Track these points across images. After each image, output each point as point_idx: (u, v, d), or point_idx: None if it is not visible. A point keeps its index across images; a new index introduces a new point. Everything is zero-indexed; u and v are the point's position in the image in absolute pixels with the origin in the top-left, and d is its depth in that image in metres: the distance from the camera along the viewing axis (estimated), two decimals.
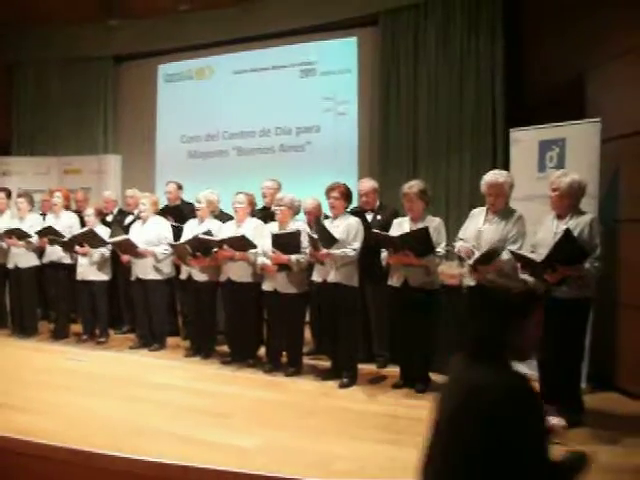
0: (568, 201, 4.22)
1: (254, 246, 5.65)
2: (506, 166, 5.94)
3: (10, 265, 7.18)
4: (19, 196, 7.36)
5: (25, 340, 7.02)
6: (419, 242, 4.86)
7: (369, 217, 5.82)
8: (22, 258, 7.09)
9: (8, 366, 5.78)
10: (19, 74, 10.76)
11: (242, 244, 5.67)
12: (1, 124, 10.56)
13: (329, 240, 5.12)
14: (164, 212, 7.02)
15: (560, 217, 4.27)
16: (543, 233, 4.32)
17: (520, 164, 5.65)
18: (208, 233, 5.89)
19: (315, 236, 5.16)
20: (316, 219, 5.46)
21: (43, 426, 4.06)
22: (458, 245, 4.81)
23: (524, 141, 5.67)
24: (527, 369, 5.06)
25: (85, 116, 10.35)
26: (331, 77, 8.83)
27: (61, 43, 10.18)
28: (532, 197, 5.24)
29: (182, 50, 9.80)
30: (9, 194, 7.63)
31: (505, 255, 4.46)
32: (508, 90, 7.34)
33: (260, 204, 6.76)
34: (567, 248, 4.00)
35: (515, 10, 7.41)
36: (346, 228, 5.23)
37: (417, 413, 4.45)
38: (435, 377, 5.21)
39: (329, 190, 5.37)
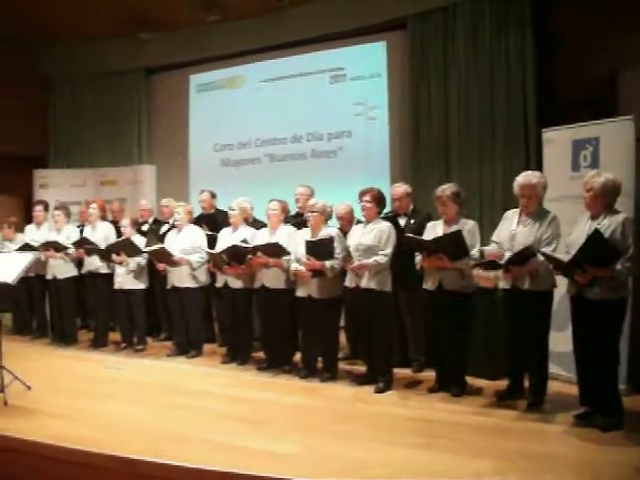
0: (602, 201, 4.15)
1: (287, 253, 5.67)
2: (539, 166, 5.88)
3: (49, 276, 7.33)
4: (56, 208, 7.52)
5: (65, 349, 7.16)
6: (453, 245, 4.83)
7: (402, 221, 5.82)
8: (60, 269, 7.23)
9: (48, 374, 5.88)
10: (55, 88, 11.03)
11: (275, 251, 5.70)
12: (38, 137, 10.80)
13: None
14: (199, 221, 7.09)
15: (594, 217, 4.21)
16: (577, 233, 4.26)
17: (553, 164, 5.59)
18: (244, 242, 5.94)
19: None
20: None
21: (82, 433, 4.13)
22: (487, 249, 4.78)
23: (557, 141, 5.60)
24: (565, 372, 5.04)
25: (119, 128, 10.55)
26: (361, 82, 8.86)
27: (94, 57, 10.41)
28: (566, 197, 5.16)
29: (213, 60, 9.95)
30: (47, 206, 7.80)
31: (540, 256, 4.41)
32: (539, 89, 7.28)
33: (293, 210, 6.79)
34: (595, 249, 3.94)
35: (545, 7, 7.35)
36: (378, 233, 5.21)
37: (453, 417, 4.44)
38: (471, 381, 5.19)
39: (362, 194, 5.38)
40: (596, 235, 3.97)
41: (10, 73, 10.12)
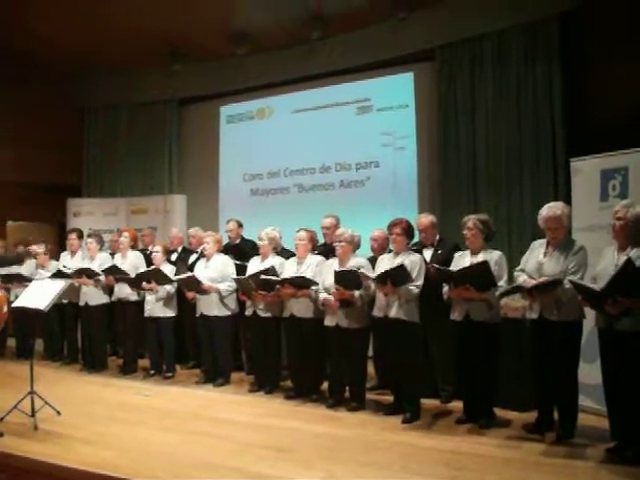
0: (631, 232, 4.12)
1: (315, 283, 5.71)
2: (568, 196, 5.85)
3: (81, 303, 7.45)
4: (88, 236, 7.67)
5: (95, 375, 7.24)
6: (479, 276, 4.81)
7: (429, 252, 5.83)
8: (92, 296, 7.35)
9: (78, 400, 5.94)
10: (89, 119, 11.26)
11: (303, 283, 5.75)
12: (72, 167, 11.01)
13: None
14: (225, 250, 7.13)
15: (622, 248, 4.18)
16: (604, 265, 4.23)
17: (582, 194, 5.55)
18: (270, 270, 5.98)
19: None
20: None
21: (109, 458, 4.18)
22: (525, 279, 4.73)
23: (585, 170, 5.57)
24: (596, 404, 4.96)
25: (151, 158, 10.74)
26: (389, 112, 8.92)
27: (128, 88, 10.65)
28: (595, 227, 5.14)
29: (242, 91, 10.10)
30: (80, 235, 7.92)
31: (566, 285, 4.38)
32: (568, 118, 7.25)
33: (321, 240, 6.81)
34: (629, 279, 3.89)
35: (574, 34, 7.34)
36: (409, 265, 5.18)
37: (480, 449, 4.39)
38: (499, 412, 5.13)
39: (391, 226, 5.39)
40: (629, 265, 3.91)
41: (45, 103, 10.35)
